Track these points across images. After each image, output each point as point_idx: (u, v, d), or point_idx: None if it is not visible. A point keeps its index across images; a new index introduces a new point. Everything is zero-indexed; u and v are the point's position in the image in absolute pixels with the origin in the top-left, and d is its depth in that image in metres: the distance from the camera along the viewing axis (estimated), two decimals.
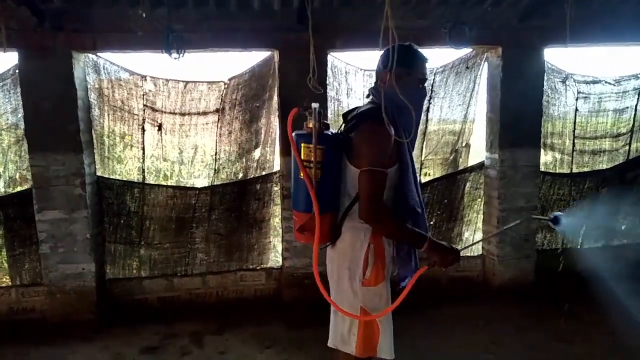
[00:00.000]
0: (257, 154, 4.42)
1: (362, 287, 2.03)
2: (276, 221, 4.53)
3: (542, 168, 4.56)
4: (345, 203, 2.04)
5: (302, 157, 1.91)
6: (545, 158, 4.70)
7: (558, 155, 4.78)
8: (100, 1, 3.63)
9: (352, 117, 2.06)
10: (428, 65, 2.20)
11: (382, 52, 2.11)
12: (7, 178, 4.16)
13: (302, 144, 1.91)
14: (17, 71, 3.79)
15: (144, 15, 3.47)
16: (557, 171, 4.77)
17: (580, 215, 3.96)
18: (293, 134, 1.94)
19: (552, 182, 4.73)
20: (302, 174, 1.90)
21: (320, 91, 3.58)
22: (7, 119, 4.02)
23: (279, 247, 4.47)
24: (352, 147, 1.97)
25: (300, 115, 1.91)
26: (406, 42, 2.07)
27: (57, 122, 3.79)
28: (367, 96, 2.19)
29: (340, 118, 3.53)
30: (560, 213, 2.11)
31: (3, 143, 4.09)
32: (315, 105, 1.88)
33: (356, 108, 2.16)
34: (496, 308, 4.13)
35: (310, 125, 1.89)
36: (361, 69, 4.28)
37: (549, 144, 4.68)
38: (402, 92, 1.81)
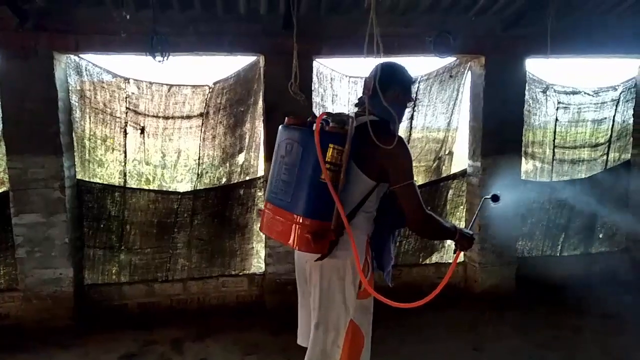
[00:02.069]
0: (241, 158, 4.39)
1: (357, 299, 2.00)
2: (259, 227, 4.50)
3: (523, 176, 4.63)
4: (346, 212, 1.92)
5: (327, 159, 1.80)
6: (526, 166, 4.78)
7: (538, 164, 4.86)
8: (83, 2, 3.58)
9: (365, 127, 1.92)
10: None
11: (380, 66, 2.08)
12: None
13: (330, 145, 1.80)
14: None
15: (127, 17, 3.43)
16: (537, 179, 4.84)
17: (518, 194, 4.16)
18: (319, 132, 1.81)
19: (533, 191, 4.79)
20: (323, 177, 1.79)
21: (302, 97, 3.59)
22: None
23: (262, 253, 4.44)
24: (371, 158, 1.92)
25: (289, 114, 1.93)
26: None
27: (37, 123, 3.72)
28: (357, 105, 2.17)
29: None
30: (499, 192, 2.35)
31: None
32: (353, 114, 1.88)
33: (340, 114, 2.02)
34: (478, 314, 4.16)
35: (333, 125, 1.82)
36: (346, 76, 4.29)
37: (529, 152, 4.76)
38: (397, 111, 2.03)
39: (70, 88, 3.92)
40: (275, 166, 1.99)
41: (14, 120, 3.71)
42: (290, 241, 1.91)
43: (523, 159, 4.60)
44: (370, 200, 1.99)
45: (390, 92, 2.00)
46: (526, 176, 4.75)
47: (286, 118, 2.00)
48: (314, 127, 1.86)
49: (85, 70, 3.96)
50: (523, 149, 4.56)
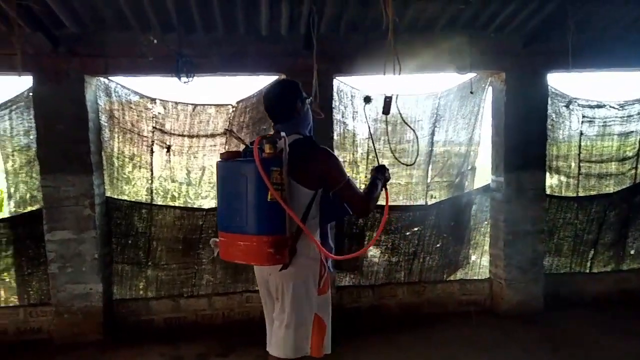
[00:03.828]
0: None
1: (318, 296, 2.26)
2: None
3: (548, 191, 4.57)
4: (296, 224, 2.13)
5: (273, 181, 1.99)
6: (551, 181, 4.70)
7: (564, 179, 4.78)
8: (112, 27, 3.73)
9: (293, 147, 2.15)
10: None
11: (273, 94, 2.40)
12: (18, 198, 4.21)
13: (272, 168, 1.99)
14: (30, 94, 3.89)
15: (155, 41, 3.56)
16: (563, 194, 4.76)
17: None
18: (260, 161, 1.98)
19: (559, 206, 4.72)
20: (271, 196, 1.99)
21: (321, 116, 3.63)
22: (20, 141, 4.10)
23: None
24: (306, 173, 2.15)
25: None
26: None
27: (69, 143, 3.87)
28: (275, 124, 2.33)
29: (347, 140, 3.85)
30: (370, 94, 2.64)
31: (15, 164, 4.16)
32: (283, 133, 2.10)
33: (271, 136, 2.15)
34: (504, 332, 4.08)
35: (269, 150, 2.00)
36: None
37: (554, 167, 4.69)
38: (309, 118, 2.40)
39: (99, 109, 4.07)
40: (225, 198, 2.20)
41: (47, 141, 3.86)
42: (256, 260, 2.13)
43: (547, 173, 4.54)
44: (314, 207, 2.21)
45: (296, 108, 2.29)
46: (551, 191, 4.68)
47: (220, 154, 2.23)
48: (249, 156, 2.05)
49: (114, 91, 4.11)
50: (547, 163, 4.50)
